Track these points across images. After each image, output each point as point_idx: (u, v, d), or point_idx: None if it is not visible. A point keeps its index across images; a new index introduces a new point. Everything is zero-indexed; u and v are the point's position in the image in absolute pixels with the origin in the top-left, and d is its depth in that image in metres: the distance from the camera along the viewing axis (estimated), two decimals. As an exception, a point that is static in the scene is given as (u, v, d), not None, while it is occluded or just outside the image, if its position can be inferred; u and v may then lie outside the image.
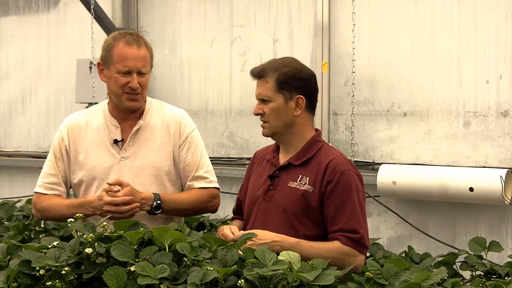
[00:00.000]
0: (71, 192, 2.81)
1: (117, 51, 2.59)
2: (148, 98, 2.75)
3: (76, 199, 2.72)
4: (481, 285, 2.13)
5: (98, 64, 2.68)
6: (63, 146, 2.72)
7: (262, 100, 2.44)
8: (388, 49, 4.11)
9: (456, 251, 2.87)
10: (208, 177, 2.75)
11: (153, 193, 2.60)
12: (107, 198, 2.49)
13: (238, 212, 2.69)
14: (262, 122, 2.47)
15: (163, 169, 2.68)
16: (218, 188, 2.79)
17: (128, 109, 2.67)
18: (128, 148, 2.67)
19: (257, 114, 2.47)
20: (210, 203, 2.75)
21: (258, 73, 2.45)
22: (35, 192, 2.75)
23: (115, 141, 2.68)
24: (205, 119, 4.84)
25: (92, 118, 2.74)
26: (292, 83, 2.41)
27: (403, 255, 3.01)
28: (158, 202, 2.57)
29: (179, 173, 2.74)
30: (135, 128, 2.68)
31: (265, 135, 2.49)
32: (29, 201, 3.74)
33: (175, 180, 2.72)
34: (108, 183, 2.54)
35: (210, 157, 2.84)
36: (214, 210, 2.80)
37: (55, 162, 2.73)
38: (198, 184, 2.72)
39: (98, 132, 2.70)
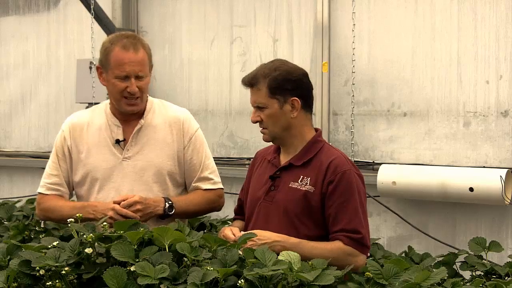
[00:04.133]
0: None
1: (113, 56, 2.56)
2: (149, 98, 2.74)
3: (80, 201, 2.72)
4: (481, 285, 2.13)
5: (97, 68, 2.66)
6: (65, 146, 2.71)
7: (258, 108, 2.44)
8: (388, 49, 4.11)
9: (456, 251, 2.87)
10: (213, 178, 2.76)
11: (162, 197, 2.61)
12: (116, 206, 2.51)
13: (240, 212, 2.69)
14: (261, 128, 2.47)
15: (165, 169, 2.68)
16: (222, 188, 2.81)
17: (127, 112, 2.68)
18: (130, 148, 2.67)
19: (255, 122, 2.47)
20: (217, 202, 2.78)
21: (250, 82, 2.44)
22: (38, 192, 2.76)
23: (117, 141, 2.68)
24: (205, 119, 4.83)
25: (94, 118, 2.73)
26: (285, 86, 2.40)
27: (403, 255, 3.01)
28: (170, 202, 2.59)
29: (183, 174, 2.74)
30: (136, 128, 2.67)
31: (265, 140, 2.50)
32: (29, 201, 3.75)
33: (177, 180, 2.72)
34: (115, 201, 2.54)
35: (210, 157, 2.85)
36: (219, 209, 2.83)
37: (58, 162, 2.72)
38: (204, 186, 2.74)
39: (100, 131, 2.70)
